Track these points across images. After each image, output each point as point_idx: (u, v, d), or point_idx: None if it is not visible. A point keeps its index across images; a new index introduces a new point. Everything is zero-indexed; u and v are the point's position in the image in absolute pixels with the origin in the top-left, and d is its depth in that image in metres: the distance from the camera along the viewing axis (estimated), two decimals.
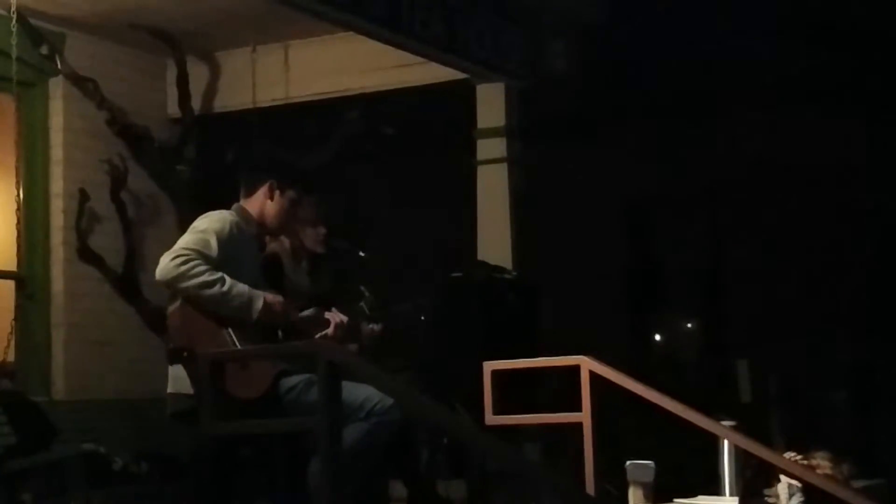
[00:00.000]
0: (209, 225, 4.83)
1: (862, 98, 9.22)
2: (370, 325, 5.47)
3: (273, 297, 4.82)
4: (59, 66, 8.44)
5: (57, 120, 8.53)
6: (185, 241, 4.76)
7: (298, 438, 4.77)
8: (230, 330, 4.74)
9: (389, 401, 4.79)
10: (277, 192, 5.06)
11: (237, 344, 4.72)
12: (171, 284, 4.69)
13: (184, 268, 4.65)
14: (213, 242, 4.75)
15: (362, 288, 5.61)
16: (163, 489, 7.52)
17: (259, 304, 4.76)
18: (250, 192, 5.08)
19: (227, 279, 4.69)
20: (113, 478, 7.63)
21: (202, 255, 4.69)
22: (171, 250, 4.74)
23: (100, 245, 8.60)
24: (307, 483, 4.67)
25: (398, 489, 5.89)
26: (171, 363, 4.68)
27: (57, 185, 8.52)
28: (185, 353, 4.60)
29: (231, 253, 4.80)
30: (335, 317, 5.13)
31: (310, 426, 4.27)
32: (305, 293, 5.35)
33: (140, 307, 8.73)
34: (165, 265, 4.69)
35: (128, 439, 8.04)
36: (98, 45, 8.73)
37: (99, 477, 7.43)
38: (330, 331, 5.09)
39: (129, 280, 8.69)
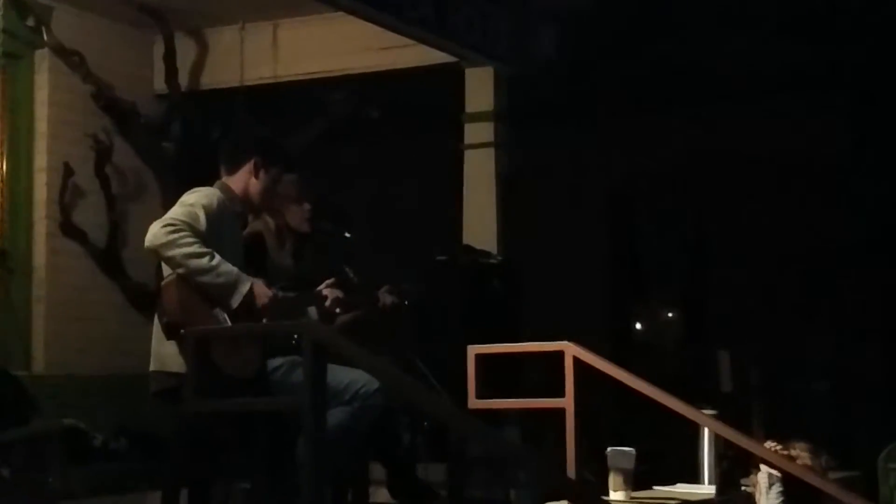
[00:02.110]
0: (197, 199, 4.80)
1: (843, 90, 9.25)
2: (384, 296, 5.44)
3: (262, 290, 4.76)
4: (45, 39, 8.39)
5: (42, 93, 8.48)
6: (175, 212, 4.74)
7: (283, 419, 4.76)
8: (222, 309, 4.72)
9: (374, 385, 4.78)
10: (262, 170, 5.02)
11: (229, 322, 4.70)
12: (159, 252, 4.66)
13: (174, 236, 4.62)
14: (202, 217, 4.72)
15: (347, 269, 5.60)
16: (142, 466, 7.51)
17: (244, 288, 4.69)
18: (233, 170, 5.04)
19: (216, 255, 4.67)
20: (92, 454, 7.63)
21: (191, 227, 4.67)
22: (161, 219, 4.71)
23: (83, 220, 8.57)
24: (290, 464, 4.66)
25: (380, 471, 5.90)
26: (169, 339, 4.63)
27: (41, 158, 8.47)
28: (182, 331, 4.56)
29: (216, 229, 4.77)
30: (332, 291, 5.11)
31: (293, 406, 4.27)
32: (289, 274, 5.33)
33: (122, 283, 8.71)
34: (155, 232, 4.65)
35: (108, 415, 8.03)
36: (85, 18, 8.68)
37: (78, 453, 7.43)
38: (328, 304, 5.09)
39: (111, 255, 8.66)
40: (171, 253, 4.62)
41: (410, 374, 6.00)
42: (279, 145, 5.23)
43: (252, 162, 5.01)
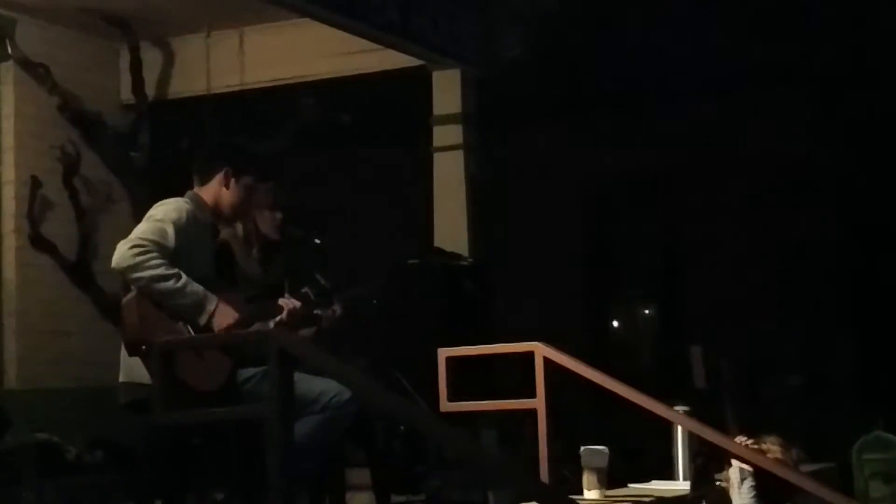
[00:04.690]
0: (166, 214, 4.77)
1: (814, 86, 9.29)
2: (330, 308, 5.41)
3: (225, 312, 4.76)
4: (9, 52, 8.35)
5: (8, 106, 8.45)
6: (143, 230, 4.70)
7: (255, 430, 4.75)
8: (186, 323, 4.71)
9: (346, 395, 4.76)
10: (233, 180, 5.00)
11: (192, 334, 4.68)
12: (126, 273, 4.64)
13: (140, 258, 4.60)
14: (171, 232, 4.70)
15: (317, 275, 5.58)
16: (116, 478, 7.48)
17: (211, 306, 4.70)
18: (205, 180, 5.02)
19: (183, 276, 4.65)
20: (66, 467, 7.59)
21: (159, 246, 4.64)
22: (128, 239, 4.68)
23: (52, 232, 8.54)
24: (262, 474, 4.64)
25: (356, 476, 5.90)
26: (131, 355, 4.62)
27: (8, 171, 8.44)
28: (143, 347, 4.54)
29: (186, 243, 4.75)
30: (288, 303, 5.09)
31: (261, 414, 4.26)
32: (257, 281, 5.31)
33: (94, 295, 8.67)
34: (122, 253, 4.63)
35: (81, 428, 7.98)
36: (50, 30, 8.65)
37: (52, 466, 7.39)
38: (284, 316, 5.06)
39: (82, 268, 8.62)
40: (136, 275, 4.60)
41: (385, 380, 6.00)
42: (251, 155, 5.21)
43: (223, 172, 4.99)
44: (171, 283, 4.61)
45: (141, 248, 4.61)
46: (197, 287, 4.68)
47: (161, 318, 4.62)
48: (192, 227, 4.80)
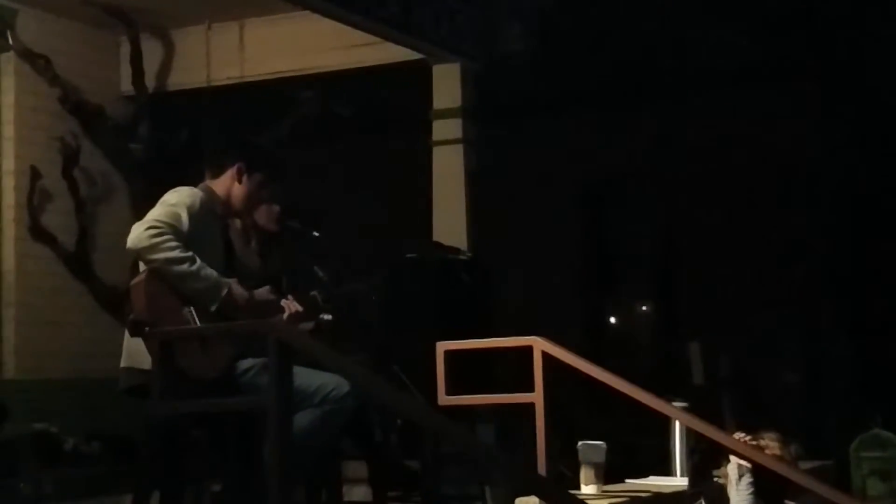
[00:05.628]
0: (180, 199, 4.80)
1: (813, 83, 9.29)
2: (322, 317, 5.43)
3: (239, 291, 4.78)
4: (10, 43, 8.35)
5: (8, 97, 8.46)
6: (158, 213, 4.73)
7: (253, 421, 4.75)
8: (192, 308, 4.72)
9: (344, 388, 4.77)
10: (245, 175, 5.03)
11: (197, 322, 4.69)
12: (142, 255, 4.66)
13: (157, 240, 4.62)
14: (184, 217, 4.73)
15: (316, 268, 5.59)
16: (114, 469, 7.49)
17: (223, 292, 4.73)
18: (217, 173, 5.04)
19: (197, 259, 4.68)
20: (64, 458, 7.61)
21: (174, 230, 4.67)
22: (144, 221, 4.70)
23: (52, 223, 8.54)
24: (260, 466, 4.65)
25: (353, 470, 5.90)
26: (133, 336, 4.63)
27: (8, 162, 8.44)
28: (147, 328, 4.56)
29: (198, 230, 4.78)
30: (291, 305, 5.10)
31: (260, 406, 4.27)
32: (256, 274, 5.32)
33: (92, 286, 8.67)
34: (139, 235, 4.65)
35: (79, 419, 8.00)
36: (51, 21, 8.65)
37: (50, 457, 7.41)
38: (284, 318, 5.07)
39: (81, 259, 8.63)
40: (152, 257, 4.63)
41: (383, 374, 6.00)
42: (265, 151, 5.25)
43: (236, 167, 5.02)
44: (186, 266, 4.64)
45: (157, 229, 4.63)
46: (210, 271, 4.71)
47: (168, 302, 4.64)
48: (203, 217, 4.83)
